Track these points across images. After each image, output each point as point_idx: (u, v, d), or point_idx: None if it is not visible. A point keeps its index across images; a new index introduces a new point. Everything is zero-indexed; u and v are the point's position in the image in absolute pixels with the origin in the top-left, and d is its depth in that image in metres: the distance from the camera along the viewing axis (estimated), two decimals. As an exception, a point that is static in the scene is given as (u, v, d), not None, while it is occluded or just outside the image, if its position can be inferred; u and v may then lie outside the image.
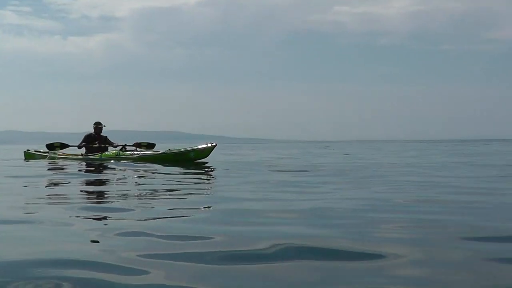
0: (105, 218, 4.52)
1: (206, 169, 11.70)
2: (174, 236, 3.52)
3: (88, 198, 6.34)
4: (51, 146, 17.31)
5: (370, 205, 5.21)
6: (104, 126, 16.50)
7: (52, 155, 17.03)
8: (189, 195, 6.37)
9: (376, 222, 4.16)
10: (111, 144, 16.28)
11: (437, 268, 2.79)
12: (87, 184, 8.38)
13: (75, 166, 13.19)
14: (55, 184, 8.18)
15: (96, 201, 5.94)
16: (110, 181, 9.07)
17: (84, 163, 14.61)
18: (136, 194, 6.61)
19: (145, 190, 7.15)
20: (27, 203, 5.58)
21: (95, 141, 16.25)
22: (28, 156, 17.91)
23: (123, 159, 15.00)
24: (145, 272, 2.66)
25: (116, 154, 15.40)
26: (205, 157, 14.53)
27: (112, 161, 14.91)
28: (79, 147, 16.45)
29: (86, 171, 11.71)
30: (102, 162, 14.67)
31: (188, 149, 14.67)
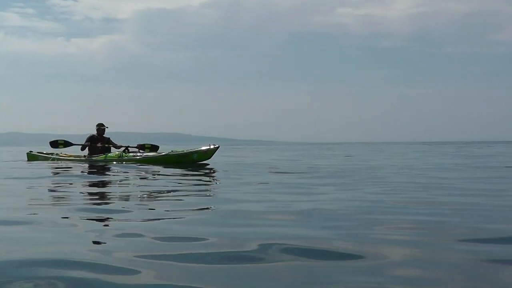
0: (104, 219, 4.55)
1: (206, 171, 11.72)
2: (170, 237, 3.55)
3: (88, 200, 6.35)
4: (54, 143, 17.28)
5: (366, 207, 5.22)
6: (107, 127, 16.48)
7: (55, 157, 17.08)
8: (187, 197, 6.39)
9: (372, 224, 4.17)
10: (114, 145, 16.27)
11: (431, 269, 2.80)
12: (89, 185, 8.40)
13: (77, 168, 13.19)
14: (56, 186, 8.19)
15: (96, 202, 5.96)
16: (112, 182, 9.08)
17: (87, 165, 14.62)
18: (136, 196, 6.63)
19: (145, 191, 7.17)
20: (28, 204, 5.60)
21: (98, 142, 16.24)
22: (31, 157, 17.90)
23: (126, 160, 14.98)
24: (141, 273, 2.68)
25: (119, 155, 15.38)
26: (208, 159, 14.53)
27: (114, 162, 14.90)
28: (82, 148, 16.46)
29: (88, 173, 11.71)
30: (105, 164, 14.65)
31: (191, 150, 14.65)
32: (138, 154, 15.43)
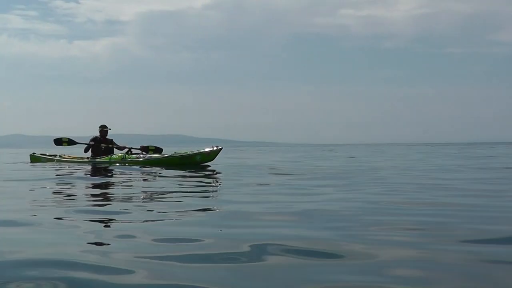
0: (104, 220, 4.58)
1: (208, 173, 11.74)
2: (168, 238, 3.58)
3: (89, 201, 6.38)
4: (58, 141, 17.29)
5: (365, 208, 5.24)
6: (110, 129, 16.49)
7: (58, 159, 17.13)
8: (187, 198, 6.42)
9: (371, 224, 4.19)
10: (117, 146, 16.28)
11: (430, 269, 2.81)
12: (91, 187, 8.42)
13: (80, 169, 13.20)
14: (58, 187, 8.21)
15: (97, 204, 5.99)
16: (114, 184, 9.11)
17: (90, 166, 14.63)
18: (137, 197, 6.66)
19: (146, 193, 7.20)
20: (29, 206, 5.64)
21: (101, 144, 16.27)
22: (34, 159, 17.93)
23: (129, 162, 14.98)
24: (138, 273, 2.72)
25: (122, 157, 15.36)
26: (211, 161, 14.53)
27: (117, 164, 14.91)
28: (86, 150, 16.48)
29: (91, 174, 11.72)
30: (108, 165, 14.68)
31: (194, 152, 14.64)
32: (141, 155, 15.43)
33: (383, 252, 3.17)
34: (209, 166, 13.94)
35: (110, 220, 4.62)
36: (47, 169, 13.80)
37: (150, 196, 6.73)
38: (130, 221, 4.46)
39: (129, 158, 15.30)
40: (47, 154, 18.06)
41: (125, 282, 2.58)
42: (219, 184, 8.86)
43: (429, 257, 3.05)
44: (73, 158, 16.82)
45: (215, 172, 11.80)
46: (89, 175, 11.45)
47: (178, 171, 11.94)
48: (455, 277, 2.67)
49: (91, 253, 3.19)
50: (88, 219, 4.56)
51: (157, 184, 8.78)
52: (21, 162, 18.36)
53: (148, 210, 5.25)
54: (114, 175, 11.22)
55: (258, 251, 3.19)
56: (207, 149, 14.53)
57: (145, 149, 16.06)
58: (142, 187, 8.54)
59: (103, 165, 14.89)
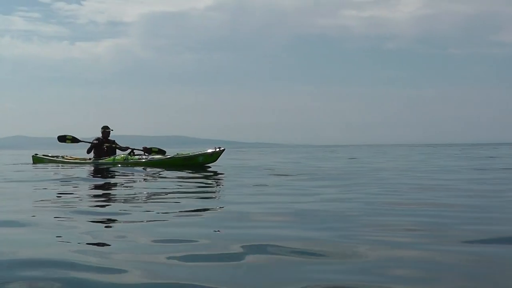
0: (103, 221, 4.62)
1: (208, 174, 11.77)
2: (165, 239, 3.61)
3: (90, 202, 6.40)
4: (62, 138, 17.31)
5: (361, 208, 5.27)
6: (112, 130, 16.54)
7: (60, 159, 17.16)
8: (186, 199, 6.43)
9: (368, 225, 4.21)
10: (119, 147, 16.31)
11: (426, 269, 2.83)
12: (92, 188, 8.45)
13: (82, 170, 13.23)
14: (59, 188, 8.23)
15: (97, 205, 6.01)
16: (115, 185, 9.14)
17: (92, 167, 14.66)
18: (137, 198, 6.69)
19: (146, 194, 7.23)
20: (29, 207, 5.67)
21: (103, 145, 16.31)
22: (36, 160, 17.98)
23: (131, 163, 15.00)
24: (133, 273, 2.76)
25: (125, 158, 15.39)
26: (214, 162, 14.52)
27: (120, 165, 14.94)
28: (88, 151, 16.50)
29: (93, 175, 11.75)
30: (110, 167, 14.69)
31: (197, 153, 14.65)
32: (144, 157, 15.44)
33: (381, 252, 3.19)
34: (210, 167, 13.97)
35: (110, 220, 4.65)
36: (49, 170, 13.83)
37: (151, 197, 6.76)
38: (129, 222, 4.49)
39: (132, 159, 15.31)
40: (50, 155, 18.14)
41: (124, 282, 2.61)
42: (219, 185, 8.90)
43: (428, 257, 3.06)
44: (76, 159, 16.86)
45: (216, 173, 11.83)
46: (91, 176, 11.48)
47: (179, 172, 11.97)
48: (453, 277, 2.69)
49: (90, 254, 3.21)
50: (88, 220, 4.59)
51: (158, 185, 8.81)
52: (23, 163, 18.40)
53: (148, 211, 5.29)
54: (116, 176, 11.24)
55: (256, 251, 3.22)
56: (209, 150, 14.52)
57: (148, 150, 16.02)
58: (143, 188, 8.57)
59: (105, 166, 14.91)
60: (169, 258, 3.06)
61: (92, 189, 8.27)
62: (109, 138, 16.53)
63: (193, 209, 5.28)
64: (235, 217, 4.75)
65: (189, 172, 11.84)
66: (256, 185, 8.32)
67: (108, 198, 6.95)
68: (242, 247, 3.32)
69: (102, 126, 16.59)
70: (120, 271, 2.78)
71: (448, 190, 7.28)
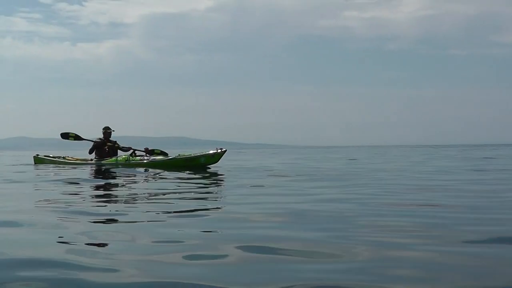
0: (100, 222, 4.66)
1: (207, 175, 11.79)
2: (159, 240, 3.66)
3: (88, 203, 6.40)
4: (65, 135, 17.20)
5: (355, 209, 5.30)
6: (113, 130, 16.50)
7: (62, 160, 17.19)
8: (183, 200, 6.45)
9: (360, 225, 4.26)
10: (121, 148, 16.28)
11: (419, 269, 2.88)
12: (92, 189, 8.47)
13: (83, 171, 13.22)
14: (59, 189, 8.20)
15: (96, 205, 6.03)
16: (116, 186, 9.16)
17: (93, 168, 14.65)
18: (136, 199, 6.73)
19: (146, 195, 7.28)
20: (27, 207, 5.70)
21: (105, 146, 16.30)
22: (38, 161, 17.94)
23: (133, 164, 14.97)
24: (129, 272, 2.82)
25: (126, 159, 15.34)
26: (215, 163, 14.46)
27: (121, 166, 14.91)
28: (90, 151, 16.48)
29: (94, 176, 11.74)
30: (111, 167, 14.67)
31: (198, 154, 14.61)
32: (145, 158, 15.40)
33: (378, 253, 3.23)
34: (209, 168, 13.98)
35: (110, 221, 4.72)
36: (51, 171, 13.82)
37: (150, 198, 6.82)
38: (129, 222, 4.55)
39: (133, 160, 15.27)
40: (51, 156, 18.11)
41: (124, 282, 2.66)
42: (217, 186, 8.96)
43: (425, 258, 3.11)
44: (77, 159, 16.82)
45: (215, 174, 11.85)
46: (92, 177, 11.48)
47: (180, 173, 11.99)
48: (452, 277, 2.73)
49: (90, 254, 3.25)
50: (89, 220, 4.63)
51: (159, 186, 8.86)
52: (24, 164, 18.37)
53: (147, 211, 5.33)
54: (117, 177, 11.24)
55: (253, 251, 3.28)
56: (211, 151, 14.46)
57: (150, 152, 15.92)
58: (144, 188, 8.61)
59: (107, 167, 14.88)
60: (167, 258, 3.11)
61: (93, 190, 8.30)
62: (110, 139, 16.50)
63: (190, 209, 5.33)
64: (232, 218, 4.79)
65: (189, 173, 11.87)
66: (254, 186, 8.37)
67: (109, 199, 6.98)
68: (239, 247, 3.38)
69: (103, 127, 16.56)
70: (120, 271, 2.83)
71: (445, 190, 7.35)
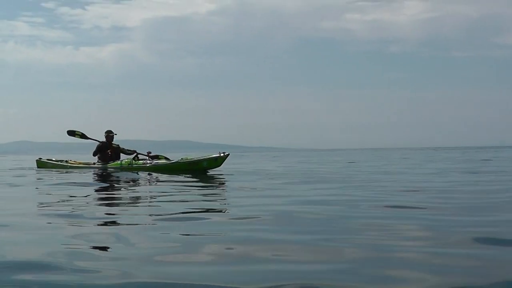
0: (100, 225, 4.71)
1: (206, 178, 11.80)
2: (158, 240, 3.79)
3: (90, 206, 6.43)
4: (71, 133, 16.97)
5: (345, 211, 5.40)
6: (116, 134, 16.32)
7: (64, 164, 17.18)
8: (173, 203, 6.51)
9: (346, 227, 4.35)
10: (124, 151, 16.17)
11: (410, 270, 2.92)
12: (94, 192, 8.52)
13: (85, 175, 13.20)
14: (61, 193, 8.15)
15: (97, 209, 6.07)
16: (117, 190, 9.20)
17: (95, 172, 14.63)
18: (135, 203, 6.83)
19: (146, 199, 7.36)
20: (28, 211, 5.75)
21: (108, 149, 16.19)
22: (40, 164, 17.92)
23: (135, 168, 14.89)
24: (126, 273, 2.89)
25: (129, 163, 15.25)
26: (218, 167, 14.33)
27: (123, 170, 14.82)
28: (94, 153, 16.44)
29: (96, 180, 11.72)
30: (114, 171, 14.65)
31: (201, 158, 14.49)
32: (148, 161, 15.27)
33: (363, 254, 3.29)
34: (208, 172, 13.94)
35: (108, 224, 4.81)
36: (53, 174, 13.83)
37: (140, 201, 6.95)
38: (127, 225, 4.66)
39: (136, 164, 15.17)
40: (54, 159, 18.06)
41: (123, 282, 2.72)
42: (211, 189, 9.02)
43: (423, 259, 3.15)
44: (80, 163, 16.82)
45: (211, 178, 11.85)
46: (94, 181, 11.50)
47: (178, 177, 12.02)
48: (438, 277, 2.75)
49: (89, 256, 3.31)
50: (89, 224, 4.69)
51: (155, 189, 8.93)
52: (27, 168, 18.34)
53: (135, 214, 5.42)
54: (119, 181, 11.26)
55: (239, 253, 3.37)
56: (214, 155, 14.33)
57: (155, 157, 15.64)
58: (144, 192, 8.67)
59: (109, 171, 14.85)
60: (162, 259, 3.19)
61: (94, 193, 8.36)
62: (113, 142, 16.36)
63: (180, 212, 5.41)
64: (224, 220, 4.87)
65: (186, 177, 11.91)
66: (247, 189, 8.45)
67: (109, 203, 7.02)
68: (232, 248, 3.47)
69: (105, 130, 16.41)
70: (119, 272, 2.90)
71: (438, 192, 7.46)
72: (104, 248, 3.60)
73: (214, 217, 5.21)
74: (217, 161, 14.32)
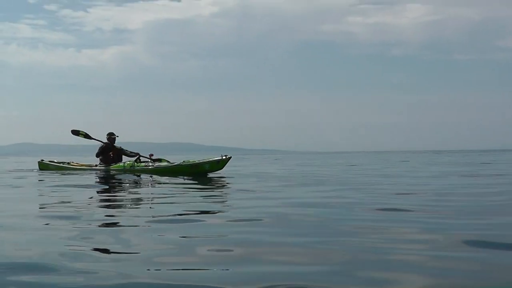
0: (101, 226, 4.74)
1: (205, 180, 11.81)
2: (156, 242, 3.85)
3: (90, 208, 6.48)
4: (76, 132, 17.05)
5: (340, 213, 5.42)
6: (118, 136, 16.42)
7: (66, 166, 17.24)
8: (170, 205, 6.54)
9: (342, 230, 4.38)
10: (126, 153, 16.21)
11: (400, 270, 2.97)
12: (95, 194, 8.54)
13: (87, 177, 13.22)
14: (62, 194, 8.13)
15: (97, 211, 6.09)
16: (118, 192, 9.23)
17: (97, 174, 14.64)
18: (135, 205, 6.87)
19: (146, 201, 7.41)
20: (30, 212, 5.76)
21: (110, 151, 16.25)
22: (43, 166, 17.90)
23: (137, 171, 14.89)
24: (126, 273, 2.92)
25: (131, 165, 15.24)
26: (220, 169, 14.28)
27: (125, 172, 14.87)
28: (97, 155, 16.35)
29: (98, 182, 11.74)
30: (115, 173, 14.64)
31: (203, 161, 14.46)
32: (150, 164, 15.26)
33: (357, 256, 3.32)
34: (207, 174, 13.96)
35: (109, 225, 4.84)
36: (55, 176, 13.86)
37: (138, 203, 6.99)
38: (127, 226, 4.70)
39: (138, 166, 15.15)
40: (56, 161, 18.11)
41: (123, 283, 2.76)
42: (208, 191, 9.04)
43: (419, 260, 3.18)
44: (82, 165, 16.84)
45: (210, 180, 11.84)
46: (96, 183, 11.52)
47: (178, 179, 12.02)
48: (431, 280, 2.78)
49: (88, 258, 3.33)
50: (89, 225, 4.72)
51: (160, 192, 8.94)
52: (29, 170, 18.38)
53: (134, 216, 5.45)
54: (120, 183, 11.26)
55: (235, 254, 3.41)
56: (216, 158, 14.27)
57: (158, 161, 15.54)
58: (145, 194, 8.69)
59: (111, 173, 14.85)
60: (159, 261, 3.22)
61: (96, 195, 8.38)
62: (115, 144, 16.43)
63: (176, 214, 5.45)
64: (227, 222, 4.87)
65: (187, 179, 11.91)
66: (251, 191, 8.49)
67: (110, 204, 7.05)
68: (230, 250, 3.52)
69: (107, 132, 16.49)
70: (119, 273, 2.92)
71: (434, 195, 7.51)
72: (105, 250, 3.62)
73: (213, 219, 5.24)
74: (220, 164, 14.26)
